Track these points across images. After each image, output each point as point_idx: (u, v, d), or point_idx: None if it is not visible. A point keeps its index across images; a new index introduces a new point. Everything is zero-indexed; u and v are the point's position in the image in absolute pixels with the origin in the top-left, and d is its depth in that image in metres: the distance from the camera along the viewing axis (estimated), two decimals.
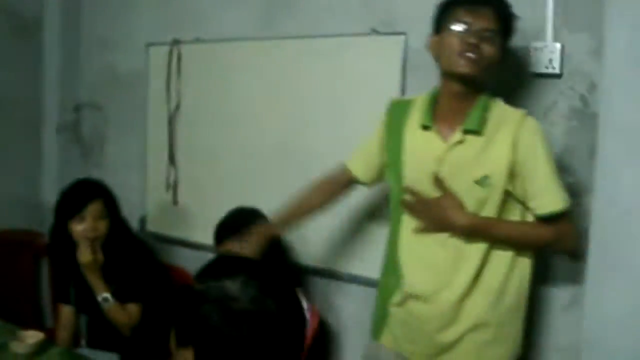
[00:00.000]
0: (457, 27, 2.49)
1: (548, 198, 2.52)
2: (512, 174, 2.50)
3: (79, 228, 3.32)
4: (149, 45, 4.27)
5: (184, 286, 1.62)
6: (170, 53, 4.09)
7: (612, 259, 2.48)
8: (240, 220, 3.31)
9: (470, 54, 2.47)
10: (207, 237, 3.46)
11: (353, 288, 3.23)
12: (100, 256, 3.32)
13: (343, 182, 3.01)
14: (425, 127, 2.62)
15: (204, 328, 1.53)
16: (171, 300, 1.67)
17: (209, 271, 1.65)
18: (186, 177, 4.11)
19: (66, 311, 3.55)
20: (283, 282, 1.65)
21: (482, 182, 2.50)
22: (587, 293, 2.63)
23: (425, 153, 2.60)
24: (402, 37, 3.19)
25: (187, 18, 4.12)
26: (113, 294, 3.32)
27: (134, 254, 3.48)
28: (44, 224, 4.33)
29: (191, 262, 3.93)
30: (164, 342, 3.40)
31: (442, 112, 2.61)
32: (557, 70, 2.83)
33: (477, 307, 2.57)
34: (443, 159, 2.55)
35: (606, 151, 2.52)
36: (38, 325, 4.23)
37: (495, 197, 2.51)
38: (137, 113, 4.39)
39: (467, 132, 2.53)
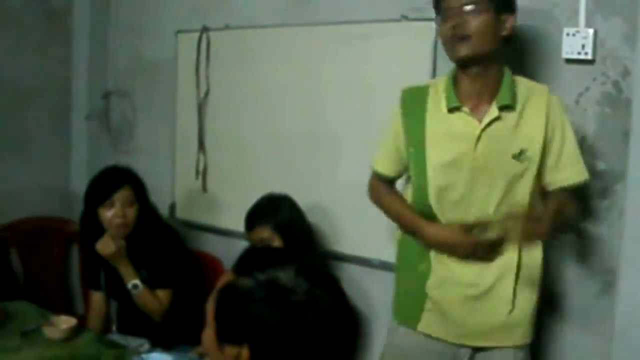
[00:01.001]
0: (439, 14, 2.57)
1: (574, 170, 2.56)
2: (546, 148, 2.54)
3: (108, 215, 3.34)
4: (178, 32, 4.27)
5: (227, 285, 1.59)
6: (200, 40, 4.09)
7: None
8: (270, 207, 3.32)
9: (456, 37, 2.50)
10: (236, 223, 3.48)
11: (384, 274, 3.22)
12: (122, 243, 3.34)
13: (389, 186, 2.92)
14: (453, 109, 2.60)
15: (261, 325, 1.49)
16: (209, 295, 1.62)
17: (248, 262, 1.62)
18: (215, 164, 4.11)
19: (97, 297, 3.58)
20: (327, 270, 1.64)
21: (519, 156, 2.51)
22: (620, 279, 2.63)
23: (458, 135, 2.58)
24: (433, 24, 3.16)
25: (216, 5, 4.12)
26: (143, 280, 3.34)
27: (163, 240, 3.50)
28: (74, 211, 4.37)
29: (221, 249, 3.95)
30: (194, 328, 3.43)
31: (467, 93, 2.60)
32: (589, 56, 2.80)
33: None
34: (479, 138, 2.54)
35: None
36: (68, 311, 4.26)
37: (532, 170, 2.53)
38: (166, 100, 4.40)
39: (502, 108, 2.54)
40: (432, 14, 3.14)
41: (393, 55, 3.32)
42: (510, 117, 2.54)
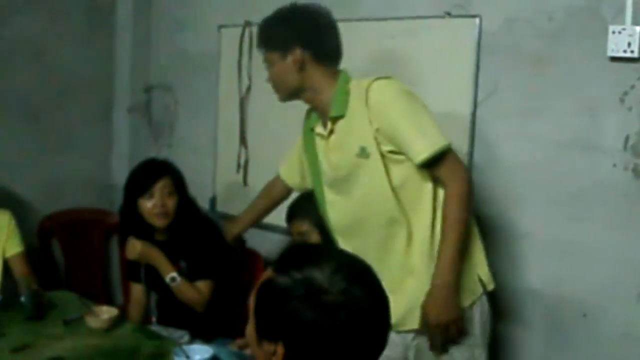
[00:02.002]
0: None
1: (417, 147, 2.55)
2: (386, 138, 2.59)
3: (148, 205, 3.36)
4: (221, 27, 4.30)
5: (265, 282, 1.60)
6: (242, 35, 4.11)
7: None
8: (312, 201, 3.32)
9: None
10: (276, 218, 3.48)
11: None
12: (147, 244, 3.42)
13: (278, 186, 3.37)
14: (312, 130, 2.87)
15: (295, 324, 1.50)
16: (248, 289, 1.64)
17: (287, 260, 1.62)
18: (256, 158, 4.14)
19: (137, 289, 3.60)
20: (367, 267, 1.64)
21: (361, 153, 2.62)
22: None
23: (319, 153, 2.84)
24: (476, 20, 3.16)
25: (259, 0, 4.12)
26: (183, 272, 3.36)
27: (203, 231, 3.51)
28: (115, 203, 4.40)
29: (260, 243, 3.96)
30: (234, 320, 3.44)
31: (319, 114, 2.81)
32: (635, 54, 2.77)
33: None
34: (329, 151, 2.76)
35: None
36: (108, 301, 4.31)
37: (378, 164, 2.60)
38: (208, 94, 4.43)
39: (334, 120, 2.69)
40: (475, 10, 3.16)
41: (436, 51, 3.31)
42: (342, 125, 2.69)
